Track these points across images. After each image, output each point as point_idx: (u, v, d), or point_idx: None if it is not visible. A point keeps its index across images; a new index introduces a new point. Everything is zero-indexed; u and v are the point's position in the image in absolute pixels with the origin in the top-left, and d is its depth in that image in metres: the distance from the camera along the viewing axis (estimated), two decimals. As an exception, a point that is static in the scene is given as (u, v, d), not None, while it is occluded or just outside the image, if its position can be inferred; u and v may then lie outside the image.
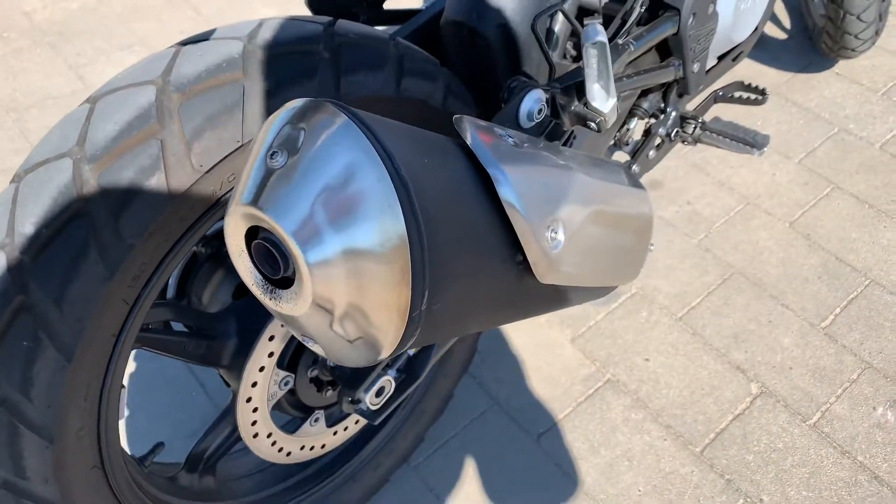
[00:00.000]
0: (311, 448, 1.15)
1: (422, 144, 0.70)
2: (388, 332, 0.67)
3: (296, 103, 0.65)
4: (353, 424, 1.19)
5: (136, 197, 0.76)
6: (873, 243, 1.76)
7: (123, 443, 1.45)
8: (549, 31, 1.16)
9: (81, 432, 0.82)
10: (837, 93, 2.15)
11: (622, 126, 1.35)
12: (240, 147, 0.81)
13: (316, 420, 1.13)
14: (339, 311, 0.64)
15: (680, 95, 1.37)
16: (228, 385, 1.08)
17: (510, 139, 0.79)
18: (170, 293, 1.09)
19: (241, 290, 1.09)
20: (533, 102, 0.94)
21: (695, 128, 1.42)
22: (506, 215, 0.75)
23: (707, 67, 1.38)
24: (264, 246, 0.63)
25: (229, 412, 1.08)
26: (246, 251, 0.66)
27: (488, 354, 1.58)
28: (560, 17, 1.12)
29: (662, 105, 1.37)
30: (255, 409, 1.02)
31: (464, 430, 1.47)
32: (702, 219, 1.83)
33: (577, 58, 1.22)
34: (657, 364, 1.56)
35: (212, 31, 0.87)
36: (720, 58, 1.48)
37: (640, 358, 1.57)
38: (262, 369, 0.99)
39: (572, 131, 1.04)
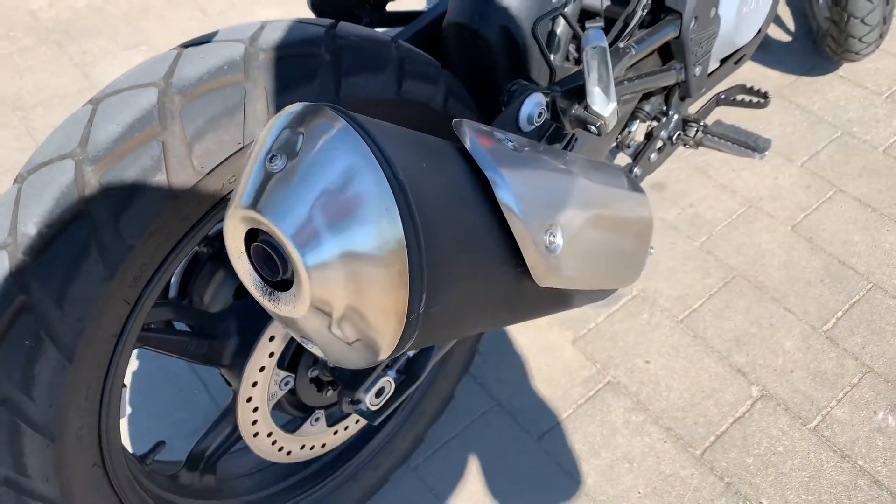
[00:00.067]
0: (312, 447, 1.15)
1: (420, 148, 0.70)
2: (386, 335, 0.67)
3: (295, 107, 0.66)
4: (353, 424, 1.20)
5: (137, 198, 0.77)
6: (876, 247, 1.76)
7: (125, 441, 1.46)
8: (552, 34, 1.17)
9: (82, 431, 0.83)
10: (841, 96, 2.15)
11: (624, 129, 1.35)
12: (241, 149, 0.82)
13: (316, 420, 1.13)
14: (338, 314, 0.65)
15: (682, 98, 1.37)
16: (229, 384, 1.08)
17: (509, 143, 0.79)
18: (172, 293, 1.10)
19: (242, 290, 1.09)
20: (533, 106, 0.94)
21: (697, 131, 1.42)
22: (504, 219, 0.75)
23: (709, 70, 1.38)
24: (263, 248, 0.64)
25: (230, 411, 1.08)
26: (245, 253, 0.66)
27: (490, 355, 1.59)
28: (562, 19, 1.12)
29: (664, 108, 1.37)
30: (256, 409, 1.02)
31: (465, 431, 1.47)
32: (704, 221, 1.84)
33: (580, 60, 1.22)
34: (658, 366, 1.56)
35: (214, 34, 0.88)
36: (723, 61, 1.49)
37: (640, 360, 1.57)
38: (262, 369, 1.00)
39: (573, 134, 1.04)
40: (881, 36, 2.03)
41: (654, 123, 1.40)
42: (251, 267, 0.67)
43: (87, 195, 0.75)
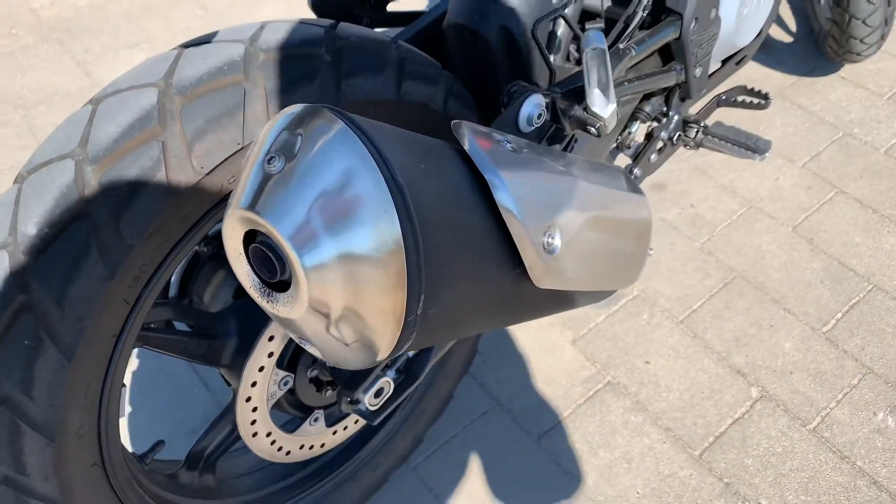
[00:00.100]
0: (311, 447, 1.15)
1: (419, 150, 0.70)
2: (383, 336, 0.68)
3: (293, 109, 0.66)
4: (352, 424, 1.20)
5: (137, 198, 0.77)
6: (876, 248, 1.76)
7: (125, 440, 1.46)
8: (552, 34, 1.17)
9: (81, 430, 0.83)
10: (843, 97, 2.14)
11: (624, 129, 1.35)
12: (240, 149, 0.82)
13: (315, 420, 1.13)
14: (335, 315, 0.65)
15: (682, 99, 1.37)
16: (229, 384, 1.08)
17: (508, 144, 0.80)
18: (171, 292, 1.10)
19: (242, 289, 1.09)
20: (532, 107, 0.94)
21: (697, 132, 1.42)
22: (503, 220, 0.76)
23: (710, 71, 1.38)
24: (261, 250, 0.64)
25: (229, 411, 1.09)
26: (243, 254, 0.67)
27: (490, 355, 1.59)
28: (563, 20, 1.12)
29: (665, 109, 1.37)
30: (255, 409, 1.03)
31: (464, 431, 1.48)
32: (704, 222, 1.84)
33: (581, 61, 1.22)
34: (658, 367, 1.56)
35: (214, 34, 0.88)
36: (724, 61, 1.49)
37: (640, 360, 1.57)
38: (261, 369, 1.00)
39: (573, 135, 1.05)
40: (883, 37, 2.03)
41: (655, 124, 1.40)
42: (249, 268, 0.67)
43: (87, 195, 0.76)
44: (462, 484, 1.40)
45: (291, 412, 1.12)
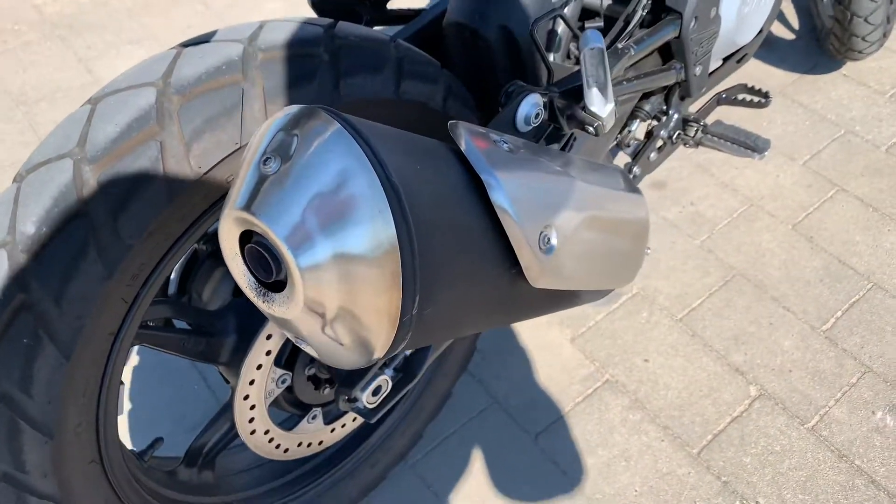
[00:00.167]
0: (309, 445, 1.16)
1: (415, 150, 0.71)
2: (379, 336, 0.68)
3: (289, 110, 0.66)
4: (350, 422, 1.21)
5: (134, 197, 0.77)
6: (877, 247, 1.76)
7: (125, 436, 1.47)
8: (552, 33, 1.17)
9: (80, 428, 0.84)
10: (844, 95, 2.14)
11: (624, 128, 1.35)
12: (238, 149, 0.82)
13: (313, 417, 1.14)
14: (331, 315, 0.65)
15: (682, 98, 1.37)
16: (227, 382, 1.09)
17: (505, 145, 0.80)
18: (171, 289, 1.11)
19: (241, 288, 1.10)
20: (530, 107, 0.94)
21: (696, 131, 1.42)
22: (499, 221, 0.76)
23: (710, 69, 1.38)
24: (257, 250, 0.65)
25: (228, 408, 1.09)
26: (240, 254, 0.67)
27: (488, 353, 1.59)
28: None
29: (664, 107, 1.37)
30: (253, 407, 1.03)
31: (462, 428, 1.48)
32: (705, 220, 1.84)
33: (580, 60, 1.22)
34: (656, 365, 1.56)
35: (213, 33, 0.88)
36: (724, 59, 1.48)
37: (639, 359, 1.57)
38: (259, 367, 1.01)
39: (572, 134, 1.05)
40: (885, 35, 2.03)
41: (654, 123, 1.40)
42: (245, 268, 0.67)
43: (86, 195, 0.76)
44: (460, 481, 1.41)
45: (289, 410, 1.12)
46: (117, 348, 0.83)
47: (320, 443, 1.18)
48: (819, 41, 2.21)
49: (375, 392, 1.01)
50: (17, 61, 2.35)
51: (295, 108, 0.66)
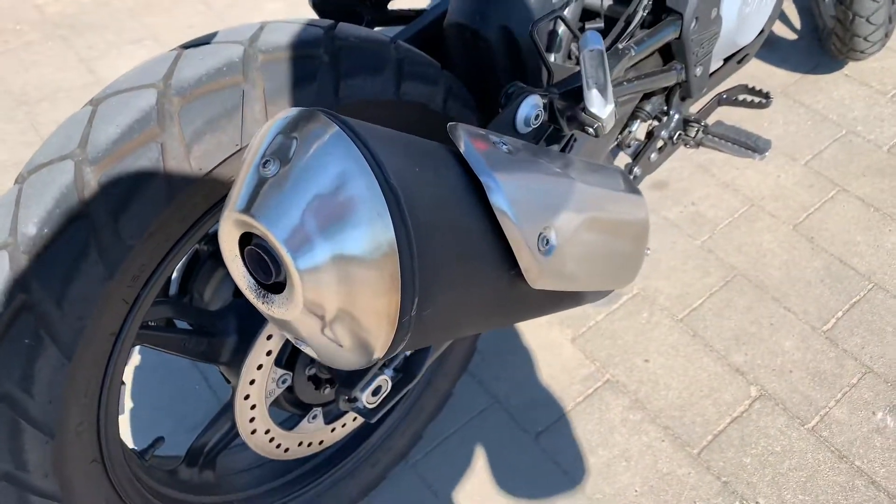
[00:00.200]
0: (310, 444, 1.16)
1: (414, 152, 0.71)
2: (378, 337, 0.68)
3: (288, 112, 0.66)
4: (350, 421, 1.21)
5: (135, 199, 0.78)
6: (878, 247, 1.76)
7: (126, 435, 1.47)
8: (553, 34, 1.17)
9: (81, 427, 0.84)
10: (846, 95, 2.14)
11: (624, 128, 1.35)
12: (239, 150, 0.82)
13: (314, 417, 1.14)
14: (330, 316, 0.66)
15: (683, 99, 1.37)
16: (228, 381, 1.09)
17: (504, 146, 0.80)
18: (172, 290, 1.11)
19: (242, 288, 1.10)
20: (530, 108, 0.94)
21: (697, 131, 1.42)
22: (498, 222, 0.76)
23: (711, 70, 1.38)
24: (257, 252, 0.65)
25: (229, 408, 1.09)
26: (239, 256, 0.67)
27: (489, 353, 1.59)
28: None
29: (665, 108, 1.38)
30: (254, 407, 1.04)
31: (463, 428, 1.48)
32: (706, 220, 1.84)
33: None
34: (657, 365, 1.56)
35: (213, 35, 0.89)
36: (725, 60, 1.48)
37: (639, 359, 1.58)
38: (260, 367, 1.01)
39: (571, 135, 1.05)
40: (887, 35, 2.02)
41: (655, 123, 1.40)
42: (245, 270, 0.68)
43: (87, 196, 0.76)
44: (461, 481, 1.41)
45: (290, 410, 1.12)
46: (118, 348, 0.83)
47: (321, 442, 1.18)
48: (821, 41, 2.21)
49: (375, 392, 1.02)
50: (19, 61, 2.35)
51: (294, 110, 0.66)
